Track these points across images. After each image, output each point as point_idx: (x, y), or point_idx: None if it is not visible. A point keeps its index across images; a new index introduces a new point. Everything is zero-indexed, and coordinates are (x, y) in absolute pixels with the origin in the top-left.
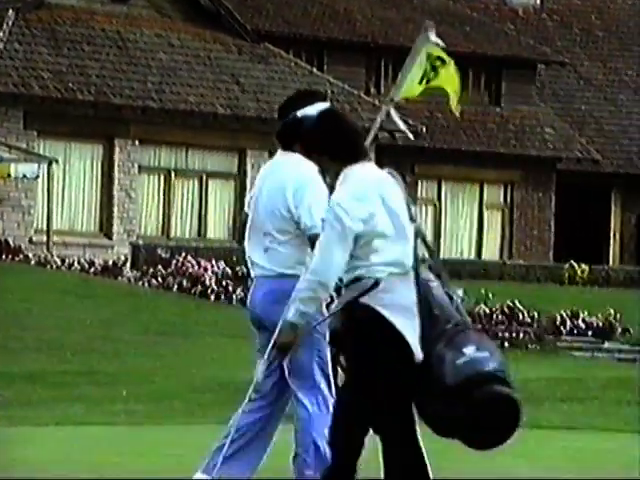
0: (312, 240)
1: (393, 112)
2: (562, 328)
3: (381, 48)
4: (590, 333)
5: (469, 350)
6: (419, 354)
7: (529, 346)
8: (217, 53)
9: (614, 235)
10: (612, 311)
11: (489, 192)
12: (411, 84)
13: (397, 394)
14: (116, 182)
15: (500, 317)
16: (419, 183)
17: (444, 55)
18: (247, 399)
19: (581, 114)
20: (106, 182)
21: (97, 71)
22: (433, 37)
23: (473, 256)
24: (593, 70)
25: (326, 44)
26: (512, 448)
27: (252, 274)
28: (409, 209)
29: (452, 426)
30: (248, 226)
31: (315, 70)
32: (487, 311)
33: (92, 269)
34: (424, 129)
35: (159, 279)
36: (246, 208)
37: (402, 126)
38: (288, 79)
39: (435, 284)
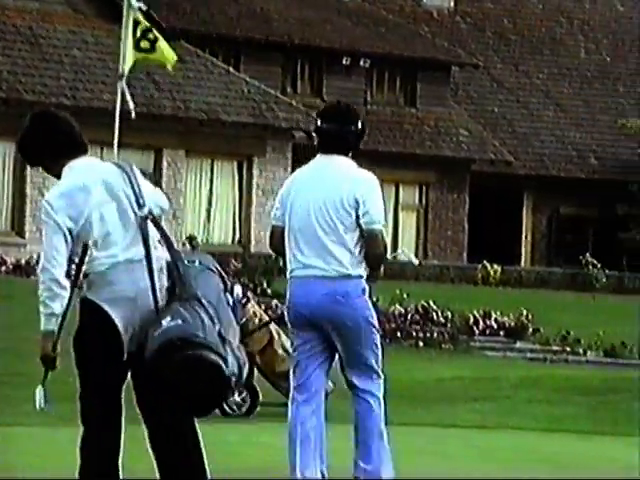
0: (369, 235)
1: (125, 89)
2: (475, 328)
3: (298, 48)
4: (502, 333)
5: (165, 320)
6: (128, 345)
7: (443, 346)
8: None
9: (526, 236)
10: (524, 311)
11: (405, 193)
12: (130, 53)
13: (99, 384)
14: (28, 180)
15: (415, 317)
16: None
17: (148, 25)
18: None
19: (494, 116)
20: (18, 180)
21: (9, 67)
22: (135, 2)
23: (389, 256)
24: (505, 73)
25: (242, 43)
26: (428, 447)
27: (298, 274)
28: (138, 198)
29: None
30: (293, 230)
31: (232, 69)
32: (402, 311)
33: (3, 268)
34: None
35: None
36: (278, 214)
37: (131, 105)
38: (204, 78)
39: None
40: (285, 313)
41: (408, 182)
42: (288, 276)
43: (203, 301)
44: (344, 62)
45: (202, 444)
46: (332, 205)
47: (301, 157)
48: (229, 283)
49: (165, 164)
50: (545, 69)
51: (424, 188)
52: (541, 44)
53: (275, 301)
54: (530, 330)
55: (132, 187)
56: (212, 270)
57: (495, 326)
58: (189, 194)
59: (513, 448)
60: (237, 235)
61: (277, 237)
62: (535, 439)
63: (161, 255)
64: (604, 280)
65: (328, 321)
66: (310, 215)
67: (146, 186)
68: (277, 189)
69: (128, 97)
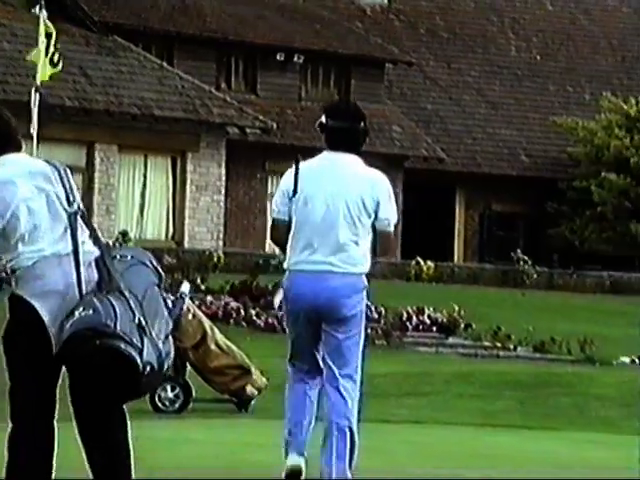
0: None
1: (37, 97)
2: (408, 324)
3: (232, 44)
4: (435, 329)
5: (77, 311)
6: (56, 338)
7: (376, 342)
8: (63, 44)
9: (458, 233)
10: (456, 307)
11: None
12: (43, 63)
13: (28, 381)
14: None
15: None
16: (269, 179)
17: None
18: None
19: (427, 113)
20: None
21: None
22: (44, 15)
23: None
24: (438, 71)
25: (176, 38)
26: (361, 443)
27: (307, 268)
28: (68, 195)
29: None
30: (307, 225)
31: (165, 64)
32: None
33: None
34: (275, 126)
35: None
36: (283, 209)
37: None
38: (137, 73)
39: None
40: (283, 302)
41: None
42: (291, 268)
43: (125, 293)
44: (278, 58)
45: (129, 441)
46: (354, 204)
47: (235, 153)
48: (164, 277)
49: (98, 159)
50: (477, 67)
51: None
52: (473, 42)
53: (210, 297)
54: (462, 326)
55: (62, 183)
56: (145, 264)
57: (428, 322)
58: (122, 189)
59: (445, 443)
60: (171, 231)
61: (281, 231)
62: (466, 434)
63: (90, 250)
64: (534, 276)
65: (332, 314)
66: (330, 212)
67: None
68: (211, 185)
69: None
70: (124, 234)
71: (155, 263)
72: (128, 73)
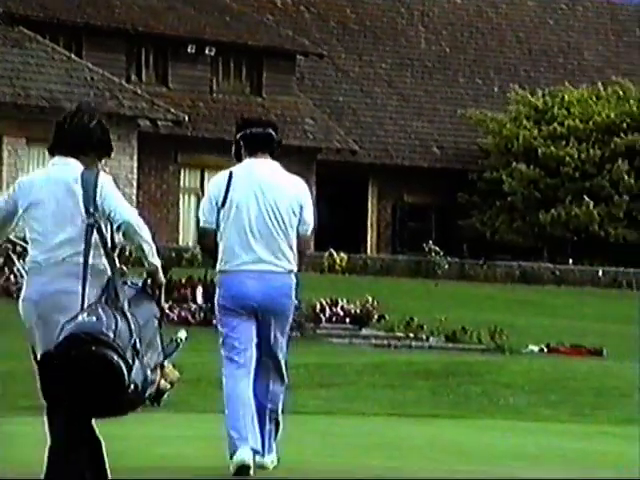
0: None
1: None
2: (322, 315)
3: (141, 35)
4: (348, 320)
5: (81, 315)
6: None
7: (292, 334)
8: None
9: (371, 224)
10: (369, 298)
11: None
12: None
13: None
14: None
15: None
16: (182, 172)
17: None
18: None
19: (339, 105)
20: None
21: None
22: None
23: None
24: (349, 63)
25: (84, 30)
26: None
27: (247, 268)
28: (88, 206)
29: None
30: (243, 229)
31: (74, 56)
32: None
33: None
34: (186, 118)
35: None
36: (209, 217)
37: None
38: (45, 64)
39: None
40: (220, 300)
41: None
42: (232, 269)
43: (128, 315)
44: (189, 50)
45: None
46: (286, 209)
47: (146, 145)
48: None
49: (6, 152)
50: (388, 59)
51: None
52: (383, 34)
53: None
54: (375, 317)
55: (86, 194)
56: (151, 297)
57: (341, 313)
58: None
59: (356, 433)
60: None
61: (210, 238)
62: (378, 423)
63: (98, 263)
64: (446, 267)
65: (271, 310)
66: (265, 217)
67: (115, 199)
68: (123, 177)
69: None
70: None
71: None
72: (35, 65)
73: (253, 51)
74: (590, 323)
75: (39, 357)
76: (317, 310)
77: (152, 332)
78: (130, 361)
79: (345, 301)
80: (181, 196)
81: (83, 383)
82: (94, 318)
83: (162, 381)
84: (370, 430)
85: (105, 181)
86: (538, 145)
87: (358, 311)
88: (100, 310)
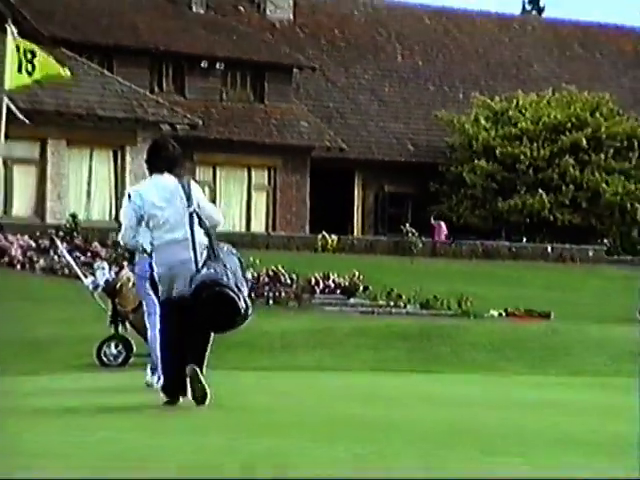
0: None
1: (8, 102)
2: (316, 288)
3: (162, 53)
4: (338, 291)
5: (203, 270)
6: (166, 293)
7: (289, 303)
8: None
9: (357, 210)
10: (356, 273)
11: (256, 176)
12: (14, 75)
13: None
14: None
15: (266, 279)
16: (197, 169)
17: (30, 46)
18: None
19: (329, 111)
20: None
21: None
22: (13, 30)
23: (244, 229)
24: (337, 75)
25: (114, 49)
26: (275, 388)
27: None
28: (188, 201)
29: (205, 320)
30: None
31: (106, 72)
32: (255, 275)
33: None
34: (201, 122)
35: None
36: (132, 223)
37: (19, 114)
38: (82, 79)
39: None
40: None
41: (258, 166)
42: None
43: (227, 266)
44: (202, 65)
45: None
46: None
47: None
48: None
49: (49, 152)
50: (370, 71)
51: (272, 171)
52: (366, 50)
53: None
54: (361, 288)
55: (185, 194)
56: (234, 254)
57: (332, 286)
58: (71, 178)
59: (344, 386)
60: (113, 213)
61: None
62: (362, 378)
63: (201, 237)
64: (420, 246)
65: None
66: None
67: (202, 200)
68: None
69: (14, 109)
70: (74, 216)
71: (239, 255)
72: (74, 80)
73: (256, 66)
74: (540, 291)
75: (173, 297)
76: (312, 283)
77: (240, 274)
78: (239, 294)
79: (335, 275)
80: None
81: (212, 311)
82: (212, 270)
83: None
84: (355, 383)
85: (194, 185)
86: (496, 144)
87: (346, 284)
88: (214, 265)
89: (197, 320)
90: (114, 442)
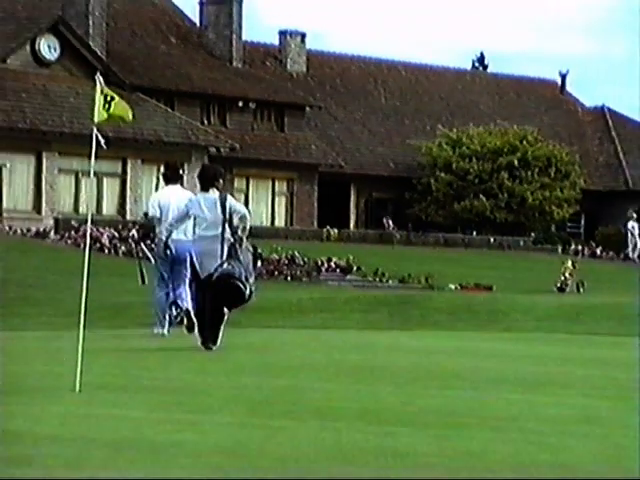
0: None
1: (96, 132)
2: (322, 268)
3: (210, 96)
4: (338, 270)
5: (224, 265)
6: (202, 273)
7: (303, 279)
8: None
9: (352, 211)
10: (351, 257)
11: (278, 185)
12: (99, 111)
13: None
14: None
15: (285, 261)
16: (235, 180)
17: (111, 93)
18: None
19: (332, 138)
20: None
21: (31, 109)
22: (101, 81)
23: (269, 224)
24: (338, 111)
25: (175, 93)
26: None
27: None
28: (222, 209)
29: (222, 299)
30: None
31: (169, 109)
32: (277, 258)
33: (29, 234)
34: (238, 146)
35: (71, 240)
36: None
37: (101, 141)
38: (152, 115)
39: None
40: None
41: (280, 178)
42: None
43: (242, 261)
44: (239, 105)
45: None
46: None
47: (213, 161)
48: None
49: (129, 168)
50: (362, 109)
51: (290, 182)
52: (358, 93)
53: None
54: (355, 268)
55: (221, 205)
56: (250, 251)
57: (334, 266)
58: (144, 187)
59: (342, 340)
60: None
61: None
62: (355, 334)
63: (229, 237)
64: (398, 237)
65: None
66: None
67: (235, 204)
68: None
69: (99, 137)
70: (145, 214)
71: (252, 249)
72: (146, 115)
73: (278, 105)
74: (485, 271)
75: (201, 278)
76: (319, 264)
77: (251, 267)
78: (246, 284)
79: (336, 259)
80: (235, 195)
81: (226, 295)
82: (229, 266)
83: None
84: (350, 338)
85: (230, 198)
86: (454, 162)
87: (344, 265)
88: (232, 262)
89: (216, 300)
90: (176, 380)
